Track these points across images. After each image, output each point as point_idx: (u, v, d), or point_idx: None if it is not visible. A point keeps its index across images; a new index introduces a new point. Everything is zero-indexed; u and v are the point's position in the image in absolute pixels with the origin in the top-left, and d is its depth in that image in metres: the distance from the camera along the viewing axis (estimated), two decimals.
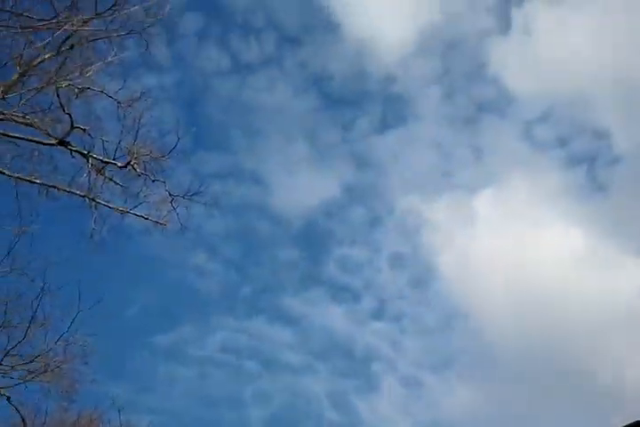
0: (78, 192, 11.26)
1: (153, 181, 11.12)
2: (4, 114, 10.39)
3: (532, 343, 24.40)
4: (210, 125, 25.68)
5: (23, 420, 13.18)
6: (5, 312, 12.20)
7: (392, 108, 29.24)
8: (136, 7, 10.01)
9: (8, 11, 9.71)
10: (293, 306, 26.57)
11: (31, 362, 12.57)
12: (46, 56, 10.28)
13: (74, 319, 12.33)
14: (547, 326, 24.59)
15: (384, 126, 29.88)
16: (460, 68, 28.91)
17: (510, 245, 27.40)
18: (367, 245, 28.58)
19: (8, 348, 12.36)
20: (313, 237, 28.06)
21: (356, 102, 29.44)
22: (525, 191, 27.82)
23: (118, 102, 10.80)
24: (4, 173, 11.01)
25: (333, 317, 26.86)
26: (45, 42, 10.18)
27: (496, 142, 29.11)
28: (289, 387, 24.87)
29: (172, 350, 23.90)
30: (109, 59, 10.45)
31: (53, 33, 10.11)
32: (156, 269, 22.45)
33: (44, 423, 13.56)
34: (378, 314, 27.89)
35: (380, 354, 26.74)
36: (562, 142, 29.38)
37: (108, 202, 11.33)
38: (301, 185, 27.60)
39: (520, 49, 27.83)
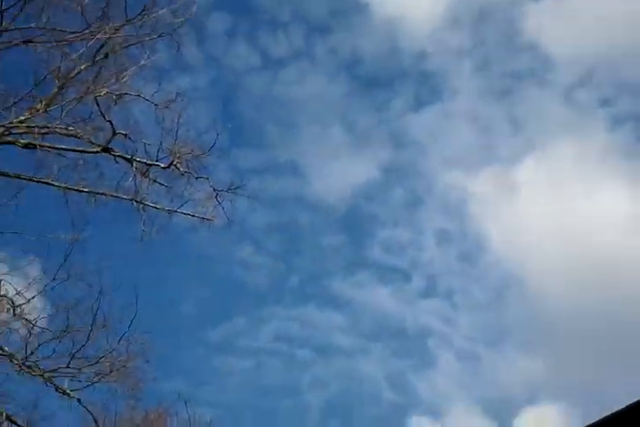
0: (125, 196, 11.64)
1: (196, 178, 11.45)
2: (48, 127, 10.79)
3: (588, 309, 24.28)
4: (244, 122, 26.07)
5: (95, 421, 13.59)
6: (67, 318, 12.59)
7: (426, 85, 29.20)
8: (164, 9, 10.30)
9: (42, 28, 10.08)
10: (341, 290, 26.94)
11: (96, 363, 12.93)
12: (82, 67, 10.63)
13: (132, 319, 12.70)
14: (602, 288, 24.44)
15: (419, 104, 29.94)
16: (493, 38, 28.70)
17: (559, 211, 27.14)
18: (410, 225, 28.75)
19: (73, 351, 12.76)
20: (355, 222, 28.31)
21: (390, 82, 29.52)
22: (571, 156, 27.51)
23: (155, 105, 11.13)
24: (52, 185, 11.42)
25: (382, 298, 27.16)
26: (80, 53, 10.55)
27: (535, 110, 28.81)
28: (344, 371, 25.27)
29: (225, 343, 24.41)
30: (142, 62, 10.77)
31: (87, 43, 10.47)
32: (204, 264, 22.96)
33: (115, 423, 14.02)
34: (428, 292, 28.13)
35: (434, 331, 26.97)
36: (605, 103, 29.06)
37: (154, 203, 11.70)
38: (339, 171, 27.84)
39: (554, 14, 27.52)
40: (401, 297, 27.56)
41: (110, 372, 13.13)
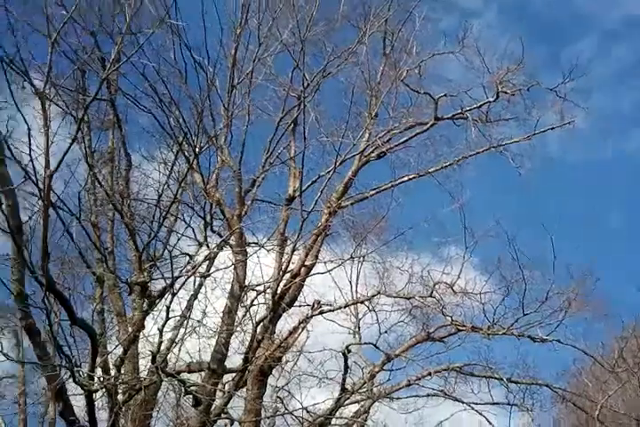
0: (484, 148, 11.83)
1: (527, 89, 11.16)
2: (387, 131, 11.61)
3: None
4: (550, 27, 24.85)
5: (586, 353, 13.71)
6: (502, 276, 12.96)
7: None
8: None
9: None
10: None
11: (546, 300, 12.94)
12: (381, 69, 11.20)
13: (553, 247, 12.39)
14: None
15: None
16: None
17: None
18: None
19: (521, 300, 12.89)
20: None
21: None
22: None
23: (450, 53, 11.28)
24: (419, 176, 12.00)
25: None
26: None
27: None
28: None
29: None
30: (418, 24, 11.01)
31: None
32: (601, 174, 21.34)
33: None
34: None
35: None
36: None
37: (511, 138, 11.70)
38: None
39: None
40: None
41: (569, 304, 13.17)
